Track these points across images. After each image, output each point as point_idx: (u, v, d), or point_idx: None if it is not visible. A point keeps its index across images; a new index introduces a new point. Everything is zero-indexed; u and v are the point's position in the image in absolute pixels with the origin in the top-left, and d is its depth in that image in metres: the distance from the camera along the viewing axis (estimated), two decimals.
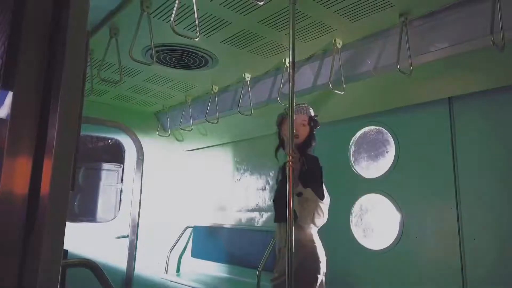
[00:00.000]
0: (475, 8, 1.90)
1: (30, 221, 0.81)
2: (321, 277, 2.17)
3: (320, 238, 3.24)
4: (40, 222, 0.77)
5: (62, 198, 0.77)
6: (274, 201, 2.46)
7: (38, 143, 0.84)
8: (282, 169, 2.38)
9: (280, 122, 2.47)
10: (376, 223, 2.92)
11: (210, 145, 4.28)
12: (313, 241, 2.23)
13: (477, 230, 2.26)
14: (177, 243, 4.30)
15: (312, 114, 2.41)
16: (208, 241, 4.15)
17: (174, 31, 1.74)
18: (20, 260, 0.79)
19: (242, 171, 4.00)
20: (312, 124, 2.39)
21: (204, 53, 2.68)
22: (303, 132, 2.37)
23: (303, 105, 2.42)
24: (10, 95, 0.86)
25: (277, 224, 2.38)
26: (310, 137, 2.42)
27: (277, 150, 2.51)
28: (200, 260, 4.17)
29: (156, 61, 2.75)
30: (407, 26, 2.13)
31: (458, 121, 2.42)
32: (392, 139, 2.80)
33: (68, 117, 0.80)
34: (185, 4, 1.99)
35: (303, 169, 2.26)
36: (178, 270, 4.38)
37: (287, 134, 2.26)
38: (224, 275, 3.85)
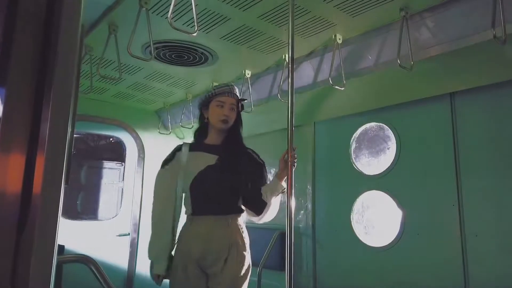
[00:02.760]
0: (476, 2, 1.88)
1: (24, 217, 0.80)
2: None
3: (322, 236, 3.25)
4: (33, 217, 0.76)
5: (54, 193, 0.77)
6: (208, 188, 2.02)
7: (31, 139, 0.83)
8: (223, 156, 2.07)
9: (207, 103, 2.13)
10: (377, 220, 2.91)
11: None
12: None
13: (479, 227, 2.24)
14: None
15: (238, 95, 2.16)
16: None
17: (172, 25, 1.73)
18: (13, 256, 0.78)
19: None
20: (240, 108, 2.16)
21: (204, 49, 2.67)
22: (232, 117, 2.10)
23: (231, 86, 2.14)
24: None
25: (194, 218, 2.01)
26: (239, 123, 2.17)
27: (196, 133, 2.22)
28: None
29: (155, 58, 2.75)
30: (407, 20, 2.11)
31: (460, 117, 2.40)
32: (393, 136, 2.78)
33: (61, 113, 0.79)
34: None
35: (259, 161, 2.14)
36: None
37: (216, 118, 2.06)
38: None
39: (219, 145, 2.11)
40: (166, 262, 2.00)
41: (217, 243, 1.95)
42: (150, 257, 2.04)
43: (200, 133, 2.18)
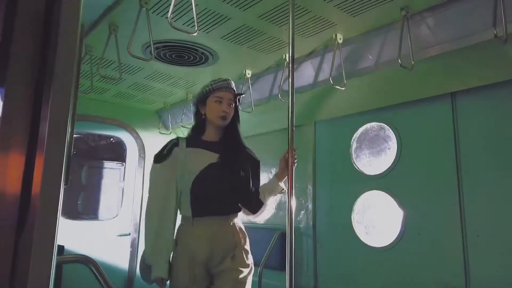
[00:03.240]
0: (477, 1, 1.87)
1: (23, 217, 0.80)
2: None
3: (322, 236, 3.24)
4: (32, 217, 0.76)
5: (54, 194, 0.76)
6: (211, 188, 1.93)
7: (30, 139, 0.82)
8: (225, 154, 1.99)
9: (204, 99, 2.03)
10: (378, 220, 2.90)
11: None
12: None
13: (480, 227, 2.24)
14: None
15: (235, 90, 2.07)
16: None
17: (172, 25, 1.73)
18: (12, 256, 0.78)
19: None
20: (238, 103, 2.06)
21: (204, 49, 2.67)
22: (231, 112, 2.01)
23: (228, 80, 2.04)
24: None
25: (195, 220, 1.91)
26: (237, 119, 2.08)
27: (193, 129, 2.11)
28: None
29: (156, 58, 2.75)
30: (408, 20, 2.11)
31: (461, 116, 2.40)
32: (394, 135, 2.78)
33: (60, 112, 0.79)
34: None
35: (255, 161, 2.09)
36: None
37: (215, 114, 1.97)
38: None
39: (217, 142, 2.03)
40: (167, 264, 1.89)
41: (223, 244, 1.90)
42: (150, 259, 1.91)
43: (197, 130, 2.08)
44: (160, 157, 1.99)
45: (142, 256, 1.99)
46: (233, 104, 2.02)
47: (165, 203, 1.93)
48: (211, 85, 2.01)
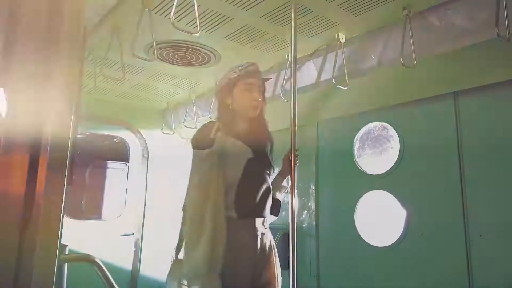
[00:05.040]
0: (479, 0, 1.87)
1: (27, 217, 0.80)
2: None
3: (325, 235, 3.24)
4: (36, 217, 0.76)
5: (57, 193, 0.77)
6: (256, 184, 1.72)
7: (34, 139, 0.83)
8: (260, 149, 1.79)
9: (231, 86, 1.77)
10: (381, 219, 2.90)
11: None
12: None
13: (483, 227, 2.23)
14: None
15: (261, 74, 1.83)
16: None
17: (174, 26, 1.73)
18: (16, 255, 0.79)
19: None
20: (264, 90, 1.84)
21: (207, 49, 2.68)
22: (261, 102, 1.79)
23: (256, 65, 1.83)
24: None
25: (239, 223, 1.66)
26: (265, 108, 1.87)
27: (222, 121, 1.78)
28: None
29: (158, 58, 2.75)
30: (410, 19, 2.10)
31: (464, 116, 2.39)
32: (396, 135, 2.77)
33: (64, 113, 0.80)
34: None
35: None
36: None
37: (247, 104, 1.75)
38: None
39: (247, 134, 1.78)
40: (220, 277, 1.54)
41: (263, 251, 1.71)
42: (203, 269, 1.54)
43: (227, 121, 1.78)
44: (205, 142, 1.65)
45: (188, 263, 1.64)
46: (264, 92, 1.83)
47: (218, 199, 1.60)
48: (239, 70, 1.78)
